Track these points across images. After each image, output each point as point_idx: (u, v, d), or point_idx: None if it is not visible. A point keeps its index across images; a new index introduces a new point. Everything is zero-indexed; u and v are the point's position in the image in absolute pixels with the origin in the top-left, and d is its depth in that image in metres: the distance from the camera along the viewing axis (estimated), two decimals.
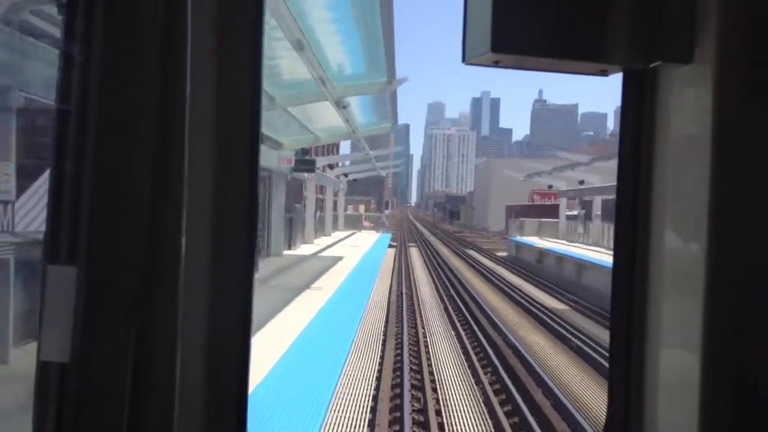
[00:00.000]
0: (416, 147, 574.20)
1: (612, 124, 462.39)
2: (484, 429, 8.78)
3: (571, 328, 15.96)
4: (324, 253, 26.13)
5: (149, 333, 0.95)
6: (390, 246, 37.25)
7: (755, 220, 0.98)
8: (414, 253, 40.18)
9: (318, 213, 33.16)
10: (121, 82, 0.96)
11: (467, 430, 8.71)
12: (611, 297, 1.12)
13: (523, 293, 22.97)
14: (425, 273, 29.24)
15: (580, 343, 14.15)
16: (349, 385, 8.72)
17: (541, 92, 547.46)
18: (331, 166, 33.13)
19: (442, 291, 22.86)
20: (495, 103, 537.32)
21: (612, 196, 29.64)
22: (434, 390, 10.35)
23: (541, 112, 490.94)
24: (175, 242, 0.97)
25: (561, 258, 29.51)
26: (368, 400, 8.41)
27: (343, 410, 7.82)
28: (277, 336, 9.87)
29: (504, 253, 42.20)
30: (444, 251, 44.31)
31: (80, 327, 0.93)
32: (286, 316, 11.74)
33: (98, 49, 0.95)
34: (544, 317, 17.70)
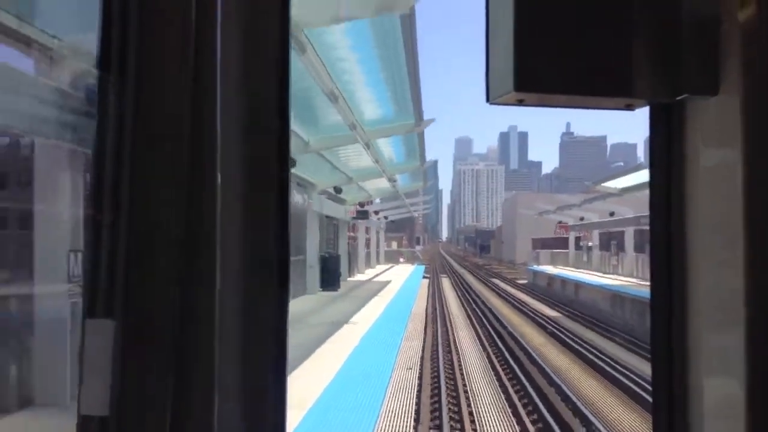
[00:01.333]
0: (445, 182, 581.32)
1: (642, 154, 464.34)
2: (485, 362, 15.92)
3: (553, 325, 23.06)
4: (375, 279, 33.69)
5: (186, 383, 0.96)
6: (424, 277, 44.41)
7: None
8: (445, 282, 47.44)
9: (366, 249, 40.83)
10: (153, 139, 0.97)
11: (473, 361, 15.85)
12: (650, 327, 1.10)
13: (529, 306, 30.12)
14: (453, 294, 36.64)
15: (554, 330, 21.37)
16: (410, 338, 15.87)
17: (568, 125, 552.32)
18: (375, 212, 40.66)
19: (464, 304, 30.18)
20: (523, 137, 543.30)
21: (612, 229, 36.53)
22: (457, 349, 17.58)
23: (570, 144, 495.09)
24: (209, 292, 0.98)
25: (564, 281, 36.51)
26: (420, 344, 15.68)
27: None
28: (366, 317, 17.31)
29: (524, 281, 49.16)
30: (470, 279, 51.66)
31: (119, 380, 0.94)
32: (369, 310, 19.23)
33: (131, 110, 0.97)
34: (538, 319, 24.87)
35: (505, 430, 10.60)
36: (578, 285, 32.93)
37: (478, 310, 27.98)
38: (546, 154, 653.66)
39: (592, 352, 17.44)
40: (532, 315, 26.65)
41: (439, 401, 11.97)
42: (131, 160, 0.97)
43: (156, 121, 0.98)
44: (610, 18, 0.98)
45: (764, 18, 0.96)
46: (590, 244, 43.67)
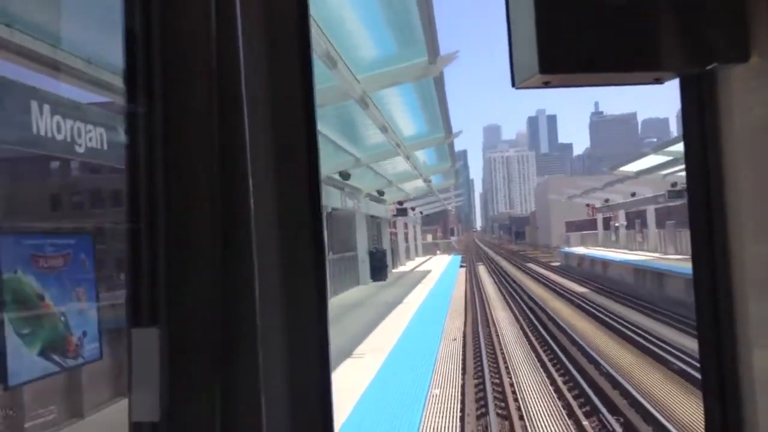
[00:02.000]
0: (476, 171, 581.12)
1: (674, 128, 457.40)
2: (515, 321, 18.84)
3: (581, 299, 25.81)
4: (417, 270, 36.87)
5: (233, 386, 0.98)
6: (461, 266, 47.23)
7: None
8: (481, 269, 50.24)
9: (405, 243, 43.98)
10: (185, 151, 0.99)
11: (502, 312, 18.78)
12: (695, 303, 1.08)
13: (560, 285, 32.84)
14: (489, 279, 39.50)
15: (581, 303, 24.17)
16: (453, 317, 18.83)
17: (597, 104, 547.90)
18: (412, 208, 43.67)
19: (500, 288, 33.13)
20: (552, 120, 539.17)
21: (636, 208, 38.95)
22: (494, 322, 20.54)
23: (599, 124, 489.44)
24: (249, 296, 0.99)
25: (593, 260, 39.04)
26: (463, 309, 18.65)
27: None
28: (414, 300, 20.41)
29: (558, 263, 51.66)
30: (505, 265, 54.39)
31: (167, 386, 0.96)
32: (415, 295, 22.30)
33: (160, 128, 0.99)
34: (567, 295, 27.64)
35: (535, 378, 13.49)
36: (605, 263, 35.49)
37: (513, 292, 30.79)
38: (576, 136, 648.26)
39: (613, 319, 20.19)
40: (562, 292, 29.39)
41: (481, 361, 14.91)
42: (165, 171, 0.99)
43: (187, 134, 0.99)
44: None
45: None
46: (617, 224, 45.97)
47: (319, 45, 9.13)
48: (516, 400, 11.48)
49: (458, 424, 8.93)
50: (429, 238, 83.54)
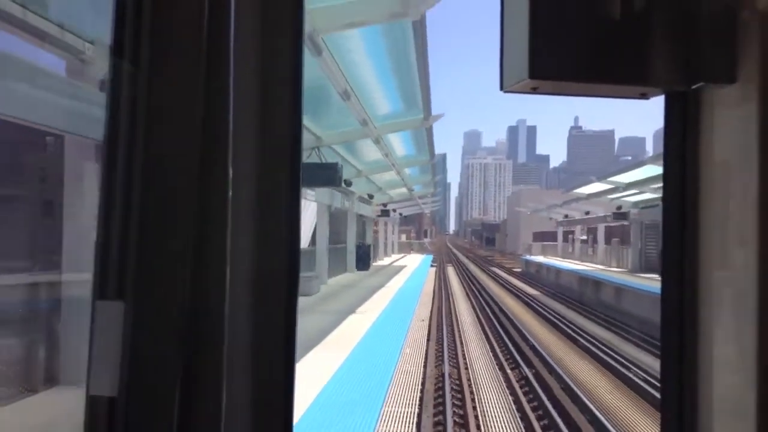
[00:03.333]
0: (453, 175, 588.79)
1: (651, 147, 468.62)
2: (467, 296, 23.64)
3: (531, 299, 30.81)
4: (394, 264, 41.77)
5: (195, 367, 0.96)
6: (431, 265, 52.15)
7: None
8: (450, 269, 55.24)
9: (384, 241, 48.83)
10: (168, 122, 0.97)
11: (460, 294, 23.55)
12: (661, 321, 1.09)
13: (516, 287, 37.89)
14: (456, 278, 44.46)
15: (530, 302, 29.17)
16: (422, 304, 23.51)
17: (576, 119, 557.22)
18: (393, 210, 48.39)
19: (464, 285, 38.05)
20: (531, 131, 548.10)
21: (591, 225, 44.25)
22: (456, 312, 25.32)
23: (578, 138, 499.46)
24: (220, 275, 0.98)
25: (548, 268, 44.22)
26: (432, 293, 23.45)
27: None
28: (393, 286, 25.12)
29: (519, 269, 56.89)
30: (472, 267, 59.57)
31: (128, 361, 0.94)
32: (394, 282, 27.02)
33: (144, 95, 0.96)
34: (521, 295, 32.66)
35: (482, 348, 18.21)
36: (558, 271, 40.65)
37: (474, 289, 35.65)
38: (554, 148, 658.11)
39: (547, 311, 25.13)
40: (517, 293, 34.39)
41: (443, 335, 19.62)
42: (145, 145, 0.96)
43: (168, 107, 0.97)
44: (626, 4, 0.95)
45: None
46: (580, 237, 51.19)
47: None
48: (464, 356, 16.26)
49: (424, 358, 13.61)
50: (403, 237, 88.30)
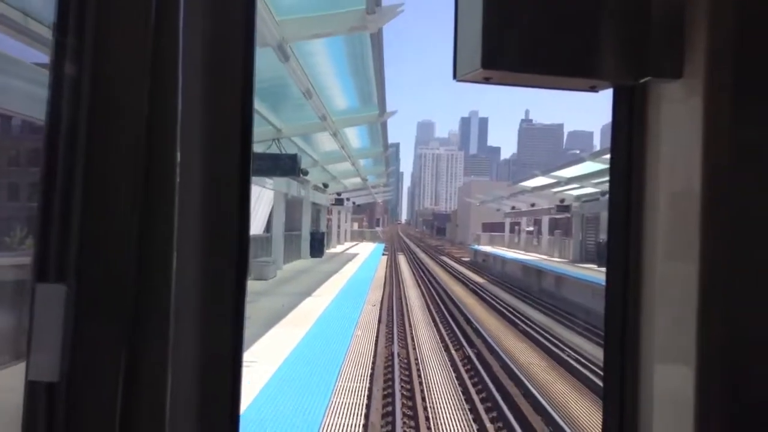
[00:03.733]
0: (406, 165, 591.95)
1: (598, 141, 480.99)
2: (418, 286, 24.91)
3: (477, 285, 32.32)
4: (346, 252, 42.85)
5: (140, 351, 0.94)
6: (383, 254, 53.45)
7: (747, 232, 0.97)
8: (401, 257, 56.64)
9: (337, 229, 49.82)
10: (111, 97, 0.94)
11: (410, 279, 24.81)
12: (605, 313, 1.11)
13: (463, 275, 39.47)
14: (407, 266, 45.83)
15: (476, 288, 30.66)
16: (374, 289, 24.62)
17: (527, 112, 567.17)
18: (347, 199, 49.39)
19: (414, 273, 39.43)
20: (483, 123, 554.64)
21: (536, 217, 46.20)
22: (405, 297, 26.55)
23: (528, 131, 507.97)
24: (166, 260, 0.95)
25: (495, 257, 46.01)
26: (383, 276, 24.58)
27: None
28: (347, 272, 26.15)
29: (468, 258, 58.73)
30: (423, 256, 61.14)
31: (69, 346, 0.92)
32: (347, 268, 28.12)
33: (88, 70, 0.94)
34: (467, 282, 34.18)
35: (430, 331, 19.42)
36: (504, 260, 42.42)
37: (424, 277, 37.01)
38: (505, 140, 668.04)
39: (491, 297, 26.62)
40: (464, 280, 35.91)
41: (393, 320, 20.77)
42: (88, 128, 0.93)
43: (113, 82, 0.94)
44: None
45: (730, 3, 0.95)
46: (526, 228, 53.27)
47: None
48: (413, 338, 17.45)
49: (375, 339, 14.68)
50: (356, 226, 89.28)
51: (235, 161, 1.02)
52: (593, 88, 1.03)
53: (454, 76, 1.01)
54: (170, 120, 0.97)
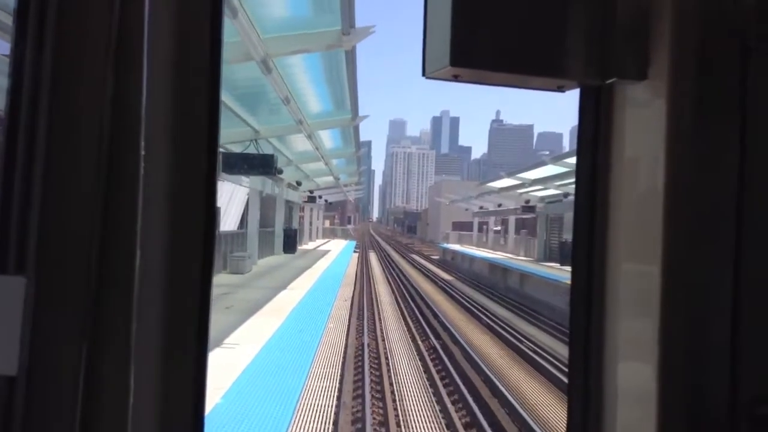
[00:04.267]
0: (378, 163, 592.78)
1: (567, 142, 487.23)
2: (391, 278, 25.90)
3: (444, 282, 33.45)
4: (319, 249, 43.75)
5: (101, 345, 0.92)
6: (354, 251, 54.35)
7: (708, 233, 0.98)
8: (372, 255, 57.65)
9: (309, 226, 50.65)
10: (73, 87, 0.92)
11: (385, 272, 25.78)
12: (569, 314, 1.12)
13: (432, 272, 40.63)
14: (377, 263, 46.86)
15: (444, 285, 31.81)
16: (346, 285, 25.52)
17: (498, 113, 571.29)
18: (320, 196, 50.24)
19: (384, 270, 40.45)
20: (454, 122, 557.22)
21: (503, 217, 47.60)
22: (375, 292, 27.50)
23: (499, 131, 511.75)
24: (129, 252, 0.93)
25: (463, 255, 47.28)
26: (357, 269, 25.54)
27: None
28: (319, 268, 27.04)
29: (437, 256, 59.99)
30: (393, 254, 62.27)
31: (29, 339, 0.90)
32: (319, 263, 29.00)
33: (50, 52, 0.91)
34: (435, 280, 35.32)
35: (397, 318, 20.40)
36: (471, 258, 43.69)
37: (394, 274, 38.04)
38: (476, 140, 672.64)
39: (458, 294, 27.74)
40: (432, 277, 37.03)
41: (363, 311, 21.71)
42: (49, 113, 0.91)
43: (77, 77, 0.92)
44: None
45: (694, 6, 0.97)
46: (494, 228, 54.69)
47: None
48: (382, 331, 18.41)
49: (346, 331, 15.61)
50: (327, 223, 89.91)
51: (201, 156, 1.01)
52: (560, 88, 1.04)
53: (423, 73, 1.02)
54: (134, 113, 0.94)
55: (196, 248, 1.00)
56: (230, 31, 9.33)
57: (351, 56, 13.23)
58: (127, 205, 0.94)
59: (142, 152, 0.95)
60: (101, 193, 0.93)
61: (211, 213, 1.02)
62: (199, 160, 1.01)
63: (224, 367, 9.19)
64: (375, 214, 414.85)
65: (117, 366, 0.94)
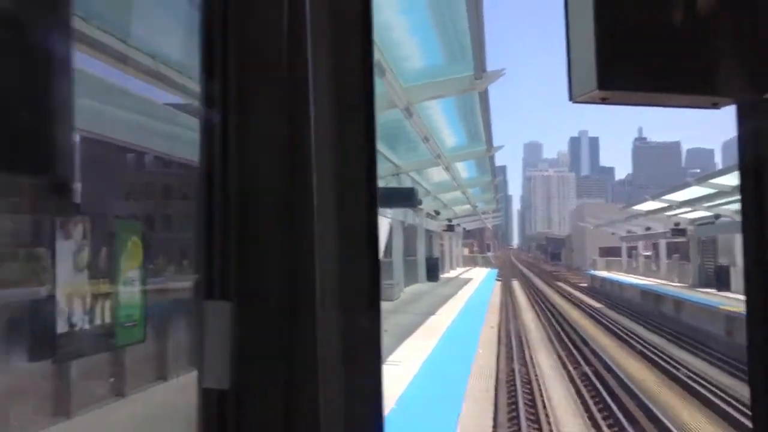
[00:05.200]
0: (515, 188, 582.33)
1: (720, 159, 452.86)
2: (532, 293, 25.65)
3: (594, 310, 32.49)
4: (460, 277, 44.21)
5: (293, 360, 1.04)
6: (497, 279, 54.04)
7: None
8: (515, 282, 57.05)
9: (449, 254, 51.30)
10: (255, 143, 1.05)
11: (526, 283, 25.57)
12: (748, 345, 1.06)
13: (580, 300, 39.58)
14: (521, 292, 46.32)
15: (593, 313, 30.93)
16: (491, 312, 25.70)
17: (641, 130, 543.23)
18: (458, 224, 50.89)
19: (529, 298, 40.00)
20: (594, 142, 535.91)
21: (653, 240, 45.36)
22: (521, 320, 27.35)
23: (643, 149, 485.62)
24: (310, 279, 1.05)
25: (612, 282, 45.50)
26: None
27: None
28: (463, 296, 27.54)
29: (585, 284, 58.12)
30: (537, 281, 61.06)
31: (236, 357, 1.01)
32: (463, 292, 29.53)
33: (234, 114, 1.04)
34: (584, 307, 34.39)
35: (548, 352, 20.26)
36: (621, 285, 41.97)
37: (540, 302, 37.51)
38: (618, 161, 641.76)
39: (611, 323, 26.88)
40: (580, 305, 36.07)
41: (510, 337, 21.77)
42: (237, 159, 1.03)
43: (257, 132, 1.05)
44: (694, 13, 0.93)
45: None
46: (644, 253, 52.19)
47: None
48: (532, 358, 18.43)
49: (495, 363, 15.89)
50: (466, 251, 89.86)
51: (362, 194, 1.10)
52: (715, 105, 0.99)
53: (570, 98, 0.99)
54: (306, 161, 1.05)
55: (363, 277, 1.11)
56: (377, 83, 10.47)
57: (484, 95, 14.15)
58: (306, 240, 1.06)
59: (315, 195, 1.07)
60: (283, 232, 1.06)
61: (374, 246, 1.12)
62: (362, 198, 1.11)
63: (394, 378, 10.04)
64: (515, 240, 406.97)
65: (308, 378, 1.05)
